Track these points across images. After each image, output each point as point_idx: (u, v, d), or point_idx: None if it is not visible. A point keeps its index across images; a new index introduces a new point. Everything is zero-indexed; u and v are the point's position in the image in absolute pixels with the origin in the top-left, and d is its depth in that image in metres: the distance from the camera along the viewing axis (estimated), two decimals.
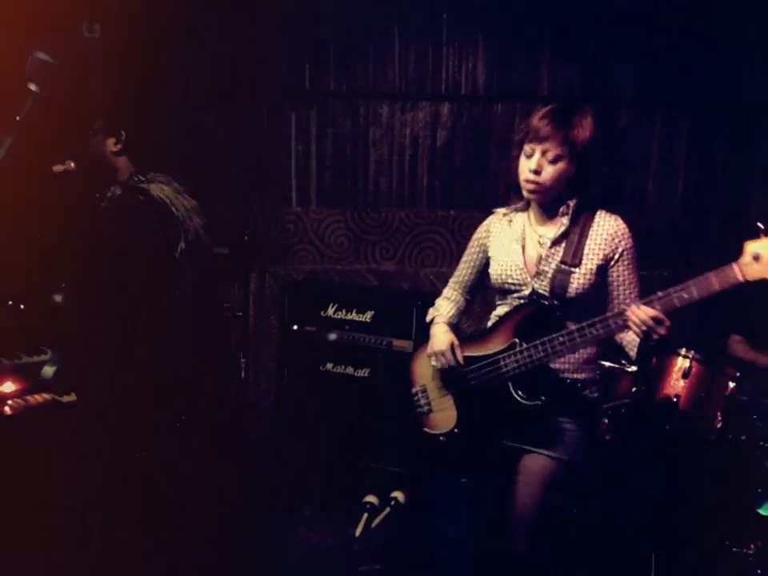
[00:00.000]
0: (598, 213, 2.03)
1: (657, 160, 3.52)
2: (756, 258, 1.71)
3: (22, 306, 2.35)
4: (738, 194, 3.53)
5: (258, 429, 3.55)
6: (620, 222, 2.02)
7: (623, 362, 2.66)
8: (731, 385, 2.67)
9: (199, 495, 2.31)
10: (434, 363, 2.19)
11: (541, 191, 1.97)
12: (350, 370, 3.18)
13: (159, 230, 1.99)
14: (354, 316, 3.17)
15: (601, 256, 1.98)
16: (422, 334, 3.07)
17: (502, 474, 2.09)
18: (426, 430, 2.25)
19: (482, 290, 2.32)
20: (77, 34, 2.78)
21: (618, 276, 2.00)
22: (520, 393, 2.01)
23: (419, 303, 3.11)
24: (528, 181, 1.95)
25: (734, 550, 2.51)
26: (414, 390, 2.29)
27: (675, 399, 2.64)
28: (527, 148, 1.95)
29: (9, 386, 2.05)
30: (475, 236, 2.26)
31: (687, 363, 2.66)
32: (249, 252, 3.42)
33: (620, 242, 1.98)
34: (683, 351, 2.68)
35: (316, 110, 3.54)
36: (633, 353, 2.00)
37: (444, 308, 2.31)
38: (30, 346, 2.20)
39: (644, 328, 1.78)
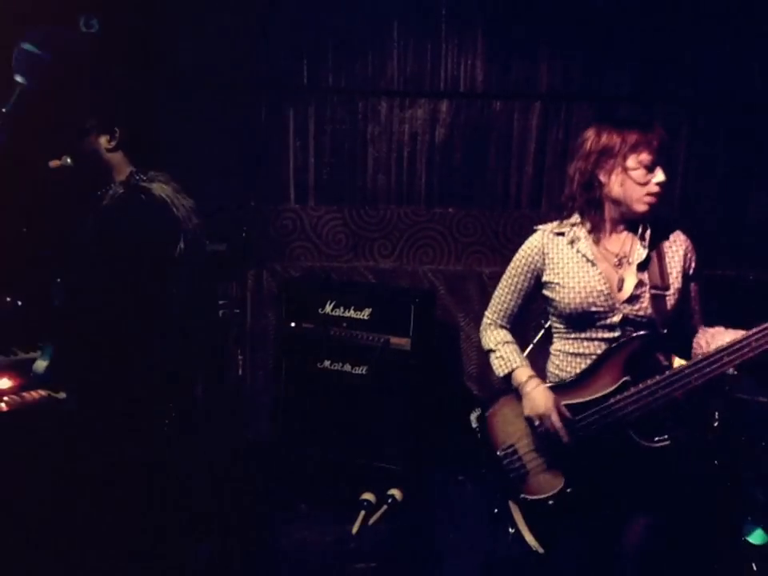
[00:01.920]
0: (664, 228, 1.98)
1: None
2: None
3: (19, 303, 2.34)
4: (737, 193, 3.53)
5: (255, 426, 3.54)
6: (685, 235, 2.00)
7: None
8: (730, 383, 2.66)
9: (196, 493, 2.30)
10: (537, 426, 1.94)
11: (659, 203, 1.88)
12: (347, 367, 3.18)
13: (160, 229, 1.99)
14: (351, 313, 3.16)
15: (682, 274, 1.94)
16: (420, 332, 3.09)
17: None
18: (526, 496, 1.98)
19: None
20: (73, 29, 2.76)
21: (691, 289, 1.98)
22: (643, 436, 1.84)
23: (417, 301, 3.11)
24: (654, 194, 1.86)
25: (732, 549, 2.50)
26: (500, 453, 2.03)
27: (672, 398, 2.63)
28: (643, 158, 1.84)
29: (5, 383, 2.05)
30: (523, 260, 2.04)
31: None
32: (246, 249, 3.41)
33: (692, 256, 1.97)
34: None
35: (314, 106, 3.53)
36: None
37: (516, 356, 2.05)
38: (25, 342, 2.19)
39: None
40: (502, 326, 2.14)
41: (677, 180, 3.52)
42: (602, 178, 1.91)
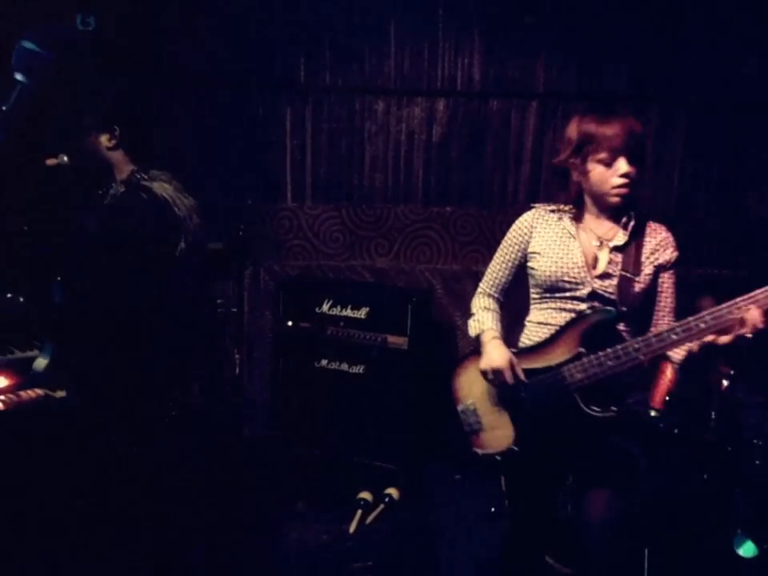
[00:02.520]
0: (648, 222, 2.08)
1: (652, 157, 3.52)
2: None
3: (21, 299, 2.33)
4: (733, 192, 3.54)
5: (252, 425, 3.54)
6: (667, 231, 2.09)
7: None
8: (725, 383, 2.67)
9: (193, 492, 2.30)
10: (491, 380, 2.07)
11: (631, 192, 1.96)
12: (344, 366, 3.18)
13: (161, 228, 1.99)
14: (348, 312, 3.16)
15: (656, 264, 2.04)
16: (417, 330, 3.09)
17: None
18: (477, 450, 2.13)
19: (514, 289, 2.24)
20: (70, 26, 2.75)
21: (664, 283, 2.07)
22: (589, 405, 1.93)
23: (414, 300, 3.11)
24: (619, 185, 1.94)
25: (727, 549, 2.51)
26: (460, 409, 2.17)
27: (669, 398, 2.64)
28: (601, 157, 1.93)
29: (1, 381, 2.04)
30: (514, 233, 2.17)
31: None
32: (243, 248, 3.40)
33: (671, 252, 2.06)
34: None
35: (311, 105, 3.52)
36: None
37: (488, 320, 2.18)
38: (22, 340, 2.19)
39: (759, 327, 1.75)
40: (490, 295, 2.25)
41: (674, 180, 3.54)
42: (574, 176, 2.04)
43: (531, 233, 2.12)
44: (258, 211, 3.57)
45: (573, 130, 2.01)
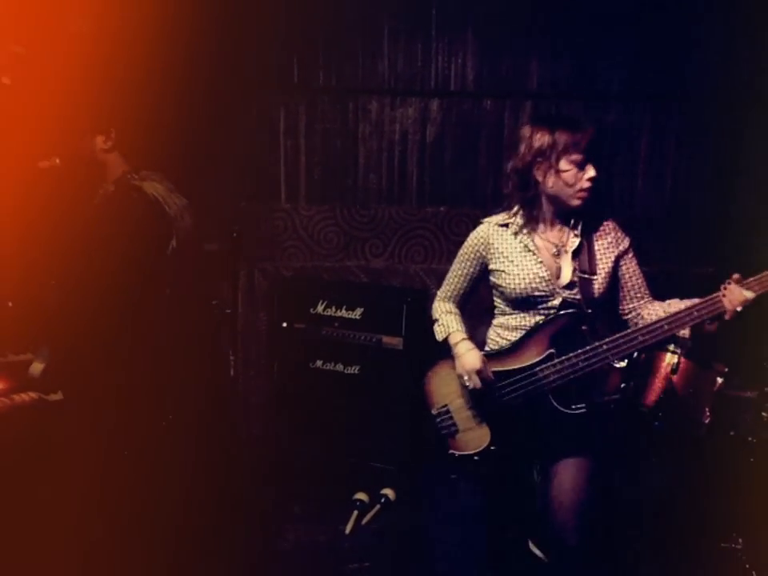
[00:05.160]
0: (595, 219, 2.14)
1: (645, 156, 3.53)
2: None
3: (9, 304, 2.33)
4: (725, 191, 3.54)
5: (247, 426, 3.53)
6: (613, 222, 2.17)
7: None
8: (719, 380, 2.68)
9: (188, 493, 2.29)
10: (466, 383, 2.12)
11: (591, 196, 2.04)
12: (339, 367, 3.18)
13: (152, 227, 1.98)
14: (343, 313, 3.16)
15: (612, 259, 2.11)
16: (412, 331, 3.09)
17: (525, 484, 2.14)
18: (453, 451, 2.20)
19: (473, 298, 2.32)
20: (64, 29, 2.74)
21: (628, 270, 2.14)
22: (562, 402, 2.02)
23: (409, 300, 3.11)
24: (586, 189, 2.01)
25: (722, 545, 2.52)
26: (434, 412, 2.25)
27: (663, 395, 2.65)
28: (574, 159, 1.99)
29: None
30: (469, 249, 2.22)
31: (675, 359, 2.67)
32: (238, 249, 3.39)
33: (621, 240, 2.14)
34: (671, 347, 2.69)
35: (305, 105, 3.52)
36: None
37: (454, 323, 2.25)
38: (17, 344, 2.18)
39: (737, 310, 1.89)
40: (448, 300, 2.32)
41: (666, 178, 3.55)
42: (538, 177, 2.06)
43: (488, 248, 2.17)
44: (253, 212, 3.56)
45: (543, 131, 2.04)
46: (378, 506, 3.00)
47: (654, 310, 2.09)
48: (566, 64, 3.45)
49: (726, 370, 2.71)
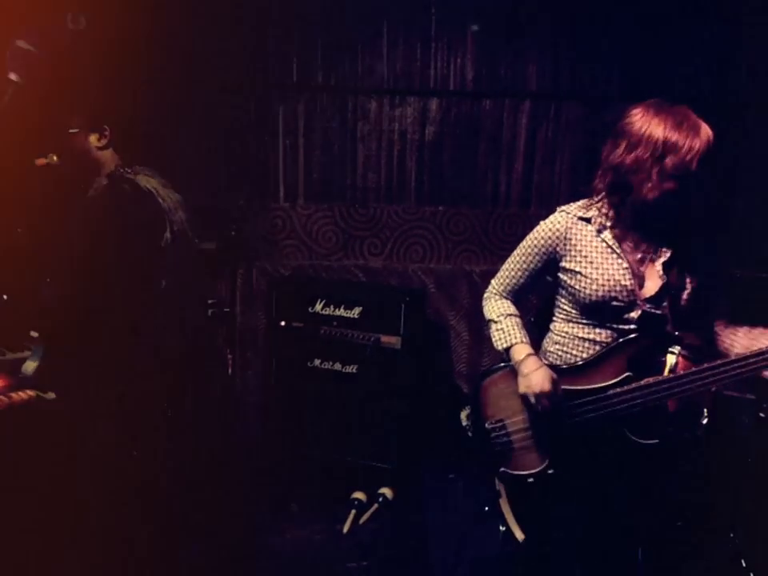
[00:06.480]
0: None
1: None
2: None
3: (5, 297, 2.32)
4: (726, 191, 3.55)
5: (244, 425, 3.53)
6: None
7: None
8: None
9: (186, 493, 2.29)
10: (532, 403, 1.88)
11: None
12: (337, 366, 3.18)
13: (145, 219, 1.98)
14: (341, 312, 3.15)
15: (689, 269, 1.89)
16: (410, 330, 3.08)
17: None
18: (506, 470, 1.98)
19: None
20: (61, 25, 2.73)
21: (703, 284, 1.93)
22: (634, 431, 1.83)
23: (407, 299, 3.11)
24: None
25: (720, 545, 2.52)
26: (488, 426, 2.01)
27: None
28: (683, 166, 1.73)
29: None
30: (540, 240, 1.92)
31: (673, 359, 2.66)
32: (236, 247, 3.40)
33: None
34: (672, 347, 2.68)
35: (304, 104, 3.52)
36: None
37: (517, 331, 1.97)
38: (12, 340, 2.17)
39: None
40: (506, 298, 2.05)
41: None
42: (635, 180, 1.77)
43: (564, 244, 1.88)
44: (251, 211, 3.56)
45: (657, 129, 1.80)
46: (375, 506, 3.00)
47: (738, 339, 1.87)
48: (565, 64, 3.45)
49: None
